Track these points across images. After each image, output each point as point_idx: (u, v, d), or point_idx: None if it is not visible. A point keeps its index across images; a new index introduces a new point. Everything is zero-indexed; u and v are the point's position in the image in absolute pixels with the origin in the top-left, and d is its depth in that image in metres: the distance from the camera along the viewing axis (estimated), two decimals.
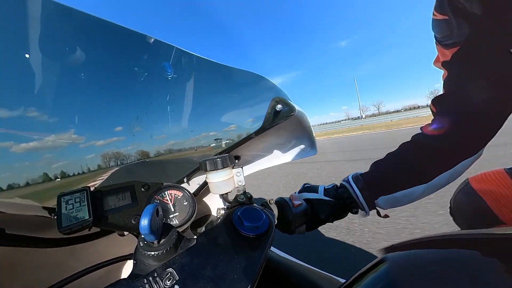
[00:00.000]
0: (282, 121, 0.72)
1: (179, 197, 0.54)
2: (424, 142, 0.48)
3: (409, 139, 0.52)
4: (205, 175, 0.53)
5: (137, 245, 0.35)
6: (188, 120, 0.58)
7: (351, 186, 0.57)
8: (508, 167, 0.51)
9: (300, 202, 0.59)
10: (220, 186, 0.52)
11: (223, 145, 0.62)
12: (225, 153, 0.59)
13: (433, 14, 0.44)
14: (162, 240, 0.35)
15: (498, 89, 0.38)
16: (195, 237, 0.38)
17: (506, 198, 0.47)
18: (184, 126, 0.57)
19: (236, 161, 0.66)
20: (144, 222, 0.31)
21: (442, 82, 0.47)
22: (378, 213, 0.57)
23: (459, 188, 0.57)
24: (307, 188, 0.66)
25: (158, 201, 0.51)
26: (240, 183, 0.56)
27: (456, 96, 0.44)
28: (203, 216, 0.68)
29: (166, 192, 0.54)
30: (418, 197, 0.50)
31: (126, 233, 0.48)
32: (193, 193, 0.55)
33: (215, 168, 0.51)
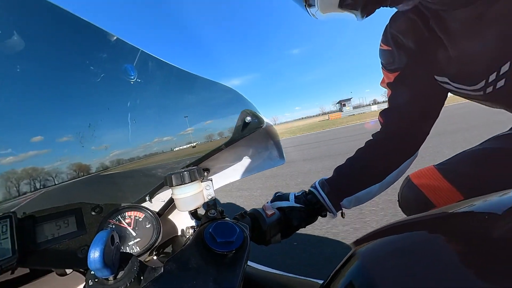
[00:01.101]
0: (252, 133, 0.73)
1: (140, 219, 0.48)
2: (375, 147, 0.57)
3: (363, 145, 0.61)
4: (170, 191, 0.48)
5: (84, 286, 0.28)
6: (151, 131, 0.52)
7: (319, 192, 0.62)
8: (436, 164, 0.62)
9: (273, 212, 0.59)
10: (189, 202, 0.48)
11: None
12: (193, 166, 0.56)
13: (380, 45, 0.55)
14: (120, 274, 0.29)
15: (426, 105, 0.51)
16: (162, 264, 0.33)
17: (437, 188, 0.58)
18: (146, 136, 0.52)
19: (205, 173, 0.62)
20: (95, 254, 0.25)
21: (388, 99, 0.58)
22: (342, 214, 0.62)
23: (403, 184, 0.66)
24: (278, 197, 0.67)
25: (113, 226, 0.44)
26: (210, 197, 0.53)
27: (397, 110, 0.55)
28: (171, 238, 0.61)
29: (124, 215, 0.47)
30: (375, 194, 0.58)
31: (69, 271, 0.39)
32: (157, 213, 0.49)
33: (182, 182, 0.47)
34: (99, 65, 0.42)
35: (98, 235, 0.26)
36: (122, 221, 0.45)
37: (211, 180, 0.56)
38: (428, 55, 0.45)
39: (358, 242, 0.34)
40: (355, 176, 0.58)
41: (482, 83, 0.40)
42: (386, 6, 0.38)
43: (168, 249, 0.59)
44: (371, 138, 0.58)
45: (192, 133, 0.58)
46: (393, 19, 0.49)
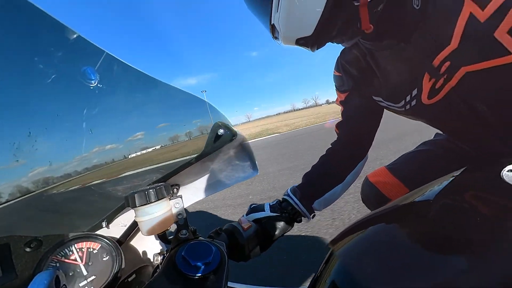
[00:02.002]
0: (224, 146, 0.71)
1: (95, 251, 0.40)
2: (334, 154, 0.69)
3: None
4: (133, 213, 0.42)
5: None
6: (111, 143, 0.46)
7: (292, 198, 0.66)
8: (386, 165, 0.78)
9: (250, 224, 0.57)
10: (156, 224, 0.43)
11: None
12: (160, 182, 0.51)
13: (334, 72, 0.68)
14: None
15: (369, 119, 0.65)
16: None
17: (388, 184, 0.73)
18: (104, 150, 0.45)
19: (174, 190, 0.57)
20: None
21: (341, 114, 0.71)
22: (313, 216, 0.69)
23: (363, 183, 0.80)
24: (254, 209, 0.66)
25: (57, 264, 0.36)
26: (180, 216, 0.48)
27: (348, 123, 0.68)
28: (137, 269, 0.52)
29: (72, 248, 0.39)
30: (340, 194, 0.68)
31: None
32: (117, 241, 0.42)
33: (148, 201, 0.42)
34: (51, 63, 0.35)
35: (35, 279, 0.20)
36: (70, 256, 0.37)
37: (181, 197, 0.52)
38: (367, 81, 0.59)
39: (334, 242, 0.37)
40: (320, 180, 0.67)
41: (403, 102, 0.54)
42: (333, 43, 0.48)
43: (135, 283, 0.51)
44: (330, 146, 0.71)
45: (145, 139, 0.53)
46: (342, 51, 0.63)
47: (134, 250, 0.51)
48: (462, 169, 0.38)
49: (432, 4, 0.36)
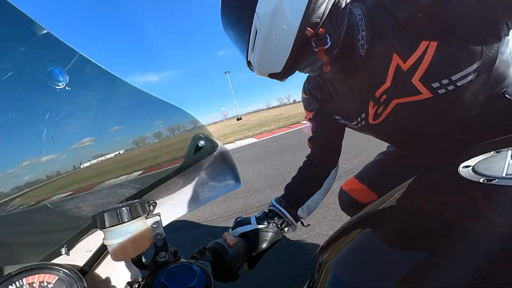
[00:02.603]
0: (205, 158, 0.69)
1: (50, 286, 0.34)
2: (309, 164, 0.77)
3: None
4: (100, 235, 0.37)
5: None
6: (77, 155, 0.40)
7: (278, 208, 0.68)
8: (355, 174, 0.91)
9: (235, 240, 0.54)
10: (129, 247, 0.38)
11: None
12: (135, 199, 0.46)
13: (302, 94, 0.78)
14: None
15: (334, 134, 0.74)
16: None
17: (358, 190, 0.84)
18: (69, 162, 0.39)
19: (151, 208, 0.52)
20: None
21: (311, 130, 0.79)
22: (302, 223, 0.73)
23: (339, 192, 0.93)
24: (239, 223, 0.64)
25: None
26: (158, 237, 0.44)
27: (317, 137, 0.77)
28: None
29: (20, 283, 0.32)
30: (319, 200, 0.75)
31: None
32: (80, 270, 0.36)
33: (120, 221, 0.38)
34: (9, 59, 0.30)
35: None
36: None
37: (159, 215, 0.47)
38: (328, 103, 0.70)
39: (322, 250, 0.38)
40: (301, 189, 0.73)
41: (356, 122, 0.65)
42: (300, 72, 0.57)
43: None
44: (306, 159, 0.80)
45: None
46: (308, 78, 0.74)
47: (101, 280, 0.43)
48: (422, 173, 0.44)
49: (373, 53, 0.49)
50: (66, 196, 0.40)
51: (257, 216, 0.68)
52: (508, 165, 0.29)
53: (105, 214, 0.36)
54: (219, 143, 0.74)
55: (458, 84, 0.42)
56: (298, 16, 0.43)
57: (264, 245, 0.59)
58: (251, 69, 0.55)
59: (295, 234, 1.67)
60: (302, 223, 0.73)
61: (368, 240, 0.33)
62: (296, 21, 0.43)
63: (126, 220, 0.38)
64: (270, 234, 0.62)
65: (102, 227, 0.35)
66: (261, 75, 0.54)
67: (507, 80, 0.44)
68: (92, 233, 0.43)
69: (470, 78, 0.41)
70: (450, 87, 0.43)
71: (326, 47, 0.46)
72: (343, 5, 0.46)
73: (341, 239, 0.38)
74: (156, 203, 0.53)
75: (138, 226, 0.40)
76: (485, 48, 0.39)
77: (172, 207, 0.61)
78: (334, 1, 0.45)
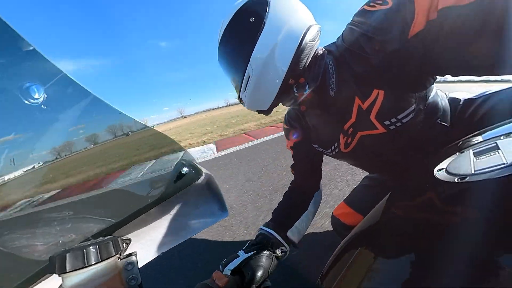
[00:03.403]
0: (189, 186, 0.65)
1: None
2: (294, 189, 0.82)
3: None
4: (58, 281, 0.30)
5: None
6: (33, 180, 0.34)
7: (266, 231, 0.68)
8: (344, 199, 1.01)
9: (226, 279, 0.48)
10: None
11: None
12: (105, 235, 0.40)
13: (283, 125, 0.85)
14: None
15: (313, 160, 0.81)
16: None
17: (346, 214, 0.93)
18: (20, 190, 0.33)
19: (125, 245, 0.45)
20: None
21: (292, 157, 0.85)
22: (294, 245, 0.72)
23: (331, 218, 1.00)
24: (227, 261, 0.59)
25: None
26: (133, 282, 0.37)
27: (299, 164, 0.83)
28: None
29: None
30: (307, 222, 0.77)
31: None
32: None
33: (86, 264, 0.32)
34: None
35: None
36: None
37: (135, 255, 0.41)
38: (306, 133, 0.77)
39: (323, 278, 0.37)
40: (288, 211, 0.76)
41: (330, 150, 0.72)
42: (283, 105, 0.66)
43: None
44: (290, 184, 0.85)
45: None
46: (288, 110, 0.83)
47: None
48: (398, 184, 0.47)
49: (340, 95, 0.59)
50: (17, 233, 0.33)
51: (245, 248, 0.64)
52: (473, 162, 0.33)
53: (67, 254, 0.30)
54: (204, 170, 0.71)
55: (403, 121, 0.55)
56: (284, 68, 0.54)
57: (260, 273, 0.54)
58: (242, 103, 0.64)
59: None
60: (294, 244, 0.73)
61: (363, 259, 0.34)
62: (282, 72, 0.54)
63: (93, 262, 0.32)
64: (263, 258, 0.58)
65: (61, 271, 0.29)
66: (251, 110, 0.64)
67: (439, 111, 0.59)
68: (45, 279, 0.34)
69: (411, 115, 0.54)
70: (398, 124, 0.55)
71: (305, 93, 0.58)
72: (321, 56, 0.59)
73: (338, 263, 0.38)
74: (130, 240, 0.46)
75: (108, 269, 0.34)
76: (418, 93, 0.54)
77: (150, 243, 0.53)
78: (314, 54, 0.57)
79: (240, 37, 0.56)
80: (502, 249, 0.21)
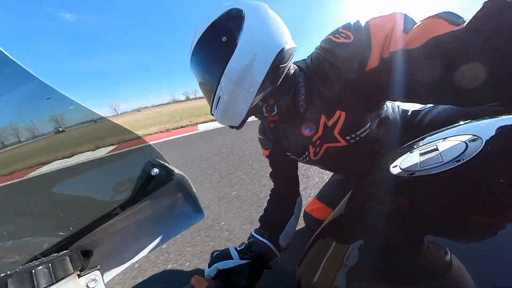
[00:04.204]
0: (159, 189, 0.60)
1: None
2: (276, 196, 0.85)
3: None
4: None
5: None
6: None
7: (261, 241, 0.66)
8: (315, 195, 1.10)
9: (206, 283, 0.44)
10: None
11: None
12: (61, 250, 0.33)
13: (258, 135, 0.88)
14: None
15: (289, 167, 0.85)
16: None
17: (317, 209, 1.00)
18: None
19: (86, 259, 0.39)
20: None
21: (269, 165, 0.89)
22: (284, 250, 0.72)
23: (303, 215, 1.06)
24: (217, 257, 0.55)
25: None
26: None
27: (275, 172, 0.87)
28: None
29: None
30: (295, 224, 0.79)
31: None
32: None
33: (35, 286, 0.26)
34: None
35: None
36: None
37: (99, 269, 0.36)
38: (279, 143, 0.81)
39: (301, 267, 0.40)
40: (276, 217, 0.77)
41: (302, 157, 0.78)
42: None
43: None
44: (271, 192, 0.89)
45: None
46: (261, 122, 0.86)
47: None
48: (361, 179, 0.52)
49: (309, 111, 0.64)
50: None
51: (239, 249, 0.62)
52: (419, 161, 0.41)
53: (9, 280, 0.24)
54: (176, 170, 0.66)
55: (361, 136, 0.64)
56: (254, 91, 0.54)
57: (246, 283, 0.53)
58: (214, 118, 0.65)
59: None
60: (284, 250, 0.75)
61: (335, 250, 0.36)
62: (252, 94, 0.54)
63: (46, 285, 0.27)
64: (255, 272, 0.57)
65: None
66: (222, 124, 0.65)
67: (390, 123, 0.72)
68: None
69: (367, 131, 0.64)
70: (357, 138, 0.64)
71: (273, 114, 0.61)
72: (292, 76, 0.62)
73: (311, 253, 0.42)
74: (92, 252, 0.40)
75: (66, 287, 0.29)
76: (372, 113, 0.64)
77: (117, 255, 0.47)
78: (286, 74, 0.59)
79: (211, 57, 0.55)
80: (443, 229, 0.26)
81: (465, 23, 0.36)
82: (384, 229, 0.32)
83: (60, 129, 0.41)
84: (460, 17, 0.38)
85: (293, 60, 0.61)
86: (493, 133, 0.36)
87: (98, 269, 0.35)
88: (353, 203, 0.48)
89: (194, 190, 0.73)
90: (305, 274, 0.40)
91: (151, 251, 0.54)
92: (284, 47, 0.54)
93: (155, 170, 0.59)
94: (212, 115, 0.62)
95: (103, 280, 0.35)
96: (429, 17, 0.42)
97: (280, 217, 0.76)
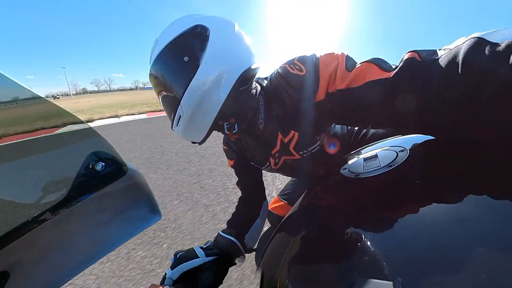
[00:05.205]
0: (106, 186, 0.50)
1: None
2: (244, 202, 0.90)
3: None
4: None
5: None
6: None
7: (228, 238, 0.66)
8: (277, 193, 1.17)
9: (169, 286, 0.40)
10: None
11: None
12: None
13: (223, 145, 0.91)
14: None
15: (254, 176, 0.91)
16: None
17: (278, 207, 1.09)
18: None
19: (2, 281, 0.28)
20: None
21: (235, 174, 0.94)
22: (250, 250, 0.74)
23: (268, 214, 1.10)
24: (181, 258, 0.51)
25: None
26: None
27: (241, 180, 0.92)
28: None
29: None
30: (261, 226, 0.85)
31: None
32: None
33: None
34: None
35: None
36: None
37: None
38: (242, 153, 0.86)
39: (263, 259, 0.43)
40: (242, 219, 0.81)
41: (264, 166, 0.85)
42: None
43: None
44: (239, 198, 0.92)
45: None
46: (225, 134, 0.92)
47: None
48: (316, 180, 0.59)
49: (267, 128, 0.70)
50: None
51: (204, 246, 0.61)
52: (363, 165, 0.51)
53: None
54: (129, 165, 0.57)
55: (313, 151, 0.73)
56: (215, 112, 0.54)
57: (213, 279, 0.51)
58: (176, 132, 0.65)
59: None
60: (250, 250, 0.78)
61: (294, 243, 0.41)
62: (213, 115, 0.55)
63: None
64: (222, 268, 0.57)
65: None
66: (184, 140, 0.65)
67: (339, 138, 0.84)
68: None
69: (318, 147, 0.73)
70: (309, 153, 0.73)
71: (234, 132, 0.63)
72: (253, 96, 0.64)
73: (274, 245, 0.47)
74: (9, 274, 0.29)
75: None
76: (322, 133, 0.74)
77: (46, 275, 0.35)
78: (247, 93, 0.62)
79: (172, 76, 0.54)
80: (381, 220, 0.33)
81: (392, 73, 0.45)
82: (336, 222, 0.39)
83: None
84: (387, 63, 0.49)
85: (254, 79, 0.65)
86: (415, 146, 0.47)
87: None
88: (309, 200, 0.56)
89: (150, 187, 0.64)
90: (268, 265, 0.43)
91: (94, 261, 0.44)
92: (247, 68, 0.56)
93: (100, 165, 0.49)
94: (173, 130, 0.62)
95: None
96: (365, 61, 0.52)
97: (246, 219, 0.81)
